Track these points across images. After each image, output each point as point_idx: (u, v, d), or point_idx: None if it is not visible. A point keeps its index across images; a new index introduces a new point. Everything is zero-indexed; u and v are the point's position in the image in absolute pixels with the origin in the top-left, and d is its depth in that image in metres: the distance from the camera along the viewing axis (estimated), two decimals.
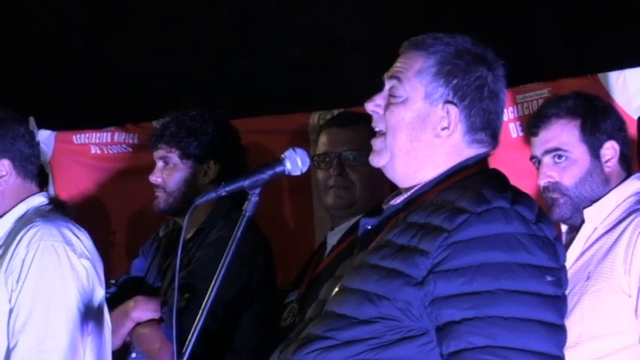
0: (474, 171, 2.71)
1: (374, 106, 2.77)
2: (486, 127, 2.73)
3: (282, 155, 2.78)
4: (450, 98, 2.70)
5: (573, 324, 3.34)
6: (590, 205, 3.49)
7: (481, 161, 2.74)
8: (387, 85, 2.77)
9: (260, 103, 5.27)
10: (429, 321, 2.52)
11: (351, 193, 3.94)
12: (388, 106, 2.74)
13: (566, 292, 2.64)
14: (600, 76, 4.08)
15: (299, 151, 2.79)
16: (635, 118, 4.01)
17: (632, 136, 3.94)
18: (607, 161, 3.51)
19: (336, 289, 2.67)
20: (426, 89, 2.70)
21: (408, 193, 2.72)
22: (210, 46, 5.67)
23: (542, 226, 2.55)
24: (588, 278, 3.39)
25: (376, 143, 2.76)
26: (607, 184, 3.50)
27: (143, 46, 5.77)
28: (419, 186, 2.72)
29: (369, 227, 2.76)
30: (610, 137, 3.52)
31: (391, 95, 2.74)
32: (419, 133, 2.70)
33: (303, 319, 2.80)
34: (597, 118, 3.52)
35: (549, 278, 2.50)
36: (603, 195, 3.49)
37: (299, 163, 2.78)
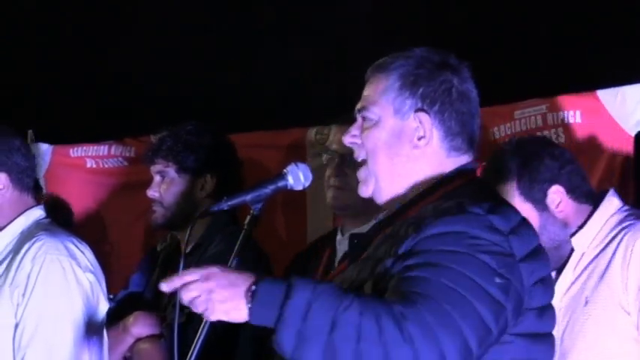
0: (459, 183, 2.69)
1: (351, 137, 2.77)
2: (462, 130, 2.71)
3: (285, 170, 2.77)
4: (420, 106, 2.69)
5: (580, 351, 3.32)
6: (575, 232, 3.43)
7: (466, 172, 2.73)
8: (359, 115, 2.77)
9: (258, 117, 5.28)
10: None
11: (345, 195, 3.82)
12: (363, 132, 2.74)
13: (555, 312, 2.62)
14: (598, 92, 4.09)
15: (301, 165, 2.78)
16: (633, 134, 4.02)
17: (628, 153, 3.94)
18: (557, 207, 3.42)
19: None
20: (394, 105, 2.70)
21: (394, 208, 2.72)
22: (208, 62, 5.69)
23: (512, 240, 2.51)
24: (587, 303, 3.34)
25: (361, 173, 2.76)
26: (566, 227, 3.43)
27: (142, 62, 5.79)
28: (405, 200, 2.71)
29: (356, 242, 2.80)
30: (551, 182, 3.41)
31: (364, 121, 2.75)
32: (398, 150, 2.70)
33: None
34: (532, 170, 3.41)
35: (498, 280, 2.44)
36: (568, 235, 3.42)
37: (301, 177, 2.77)
